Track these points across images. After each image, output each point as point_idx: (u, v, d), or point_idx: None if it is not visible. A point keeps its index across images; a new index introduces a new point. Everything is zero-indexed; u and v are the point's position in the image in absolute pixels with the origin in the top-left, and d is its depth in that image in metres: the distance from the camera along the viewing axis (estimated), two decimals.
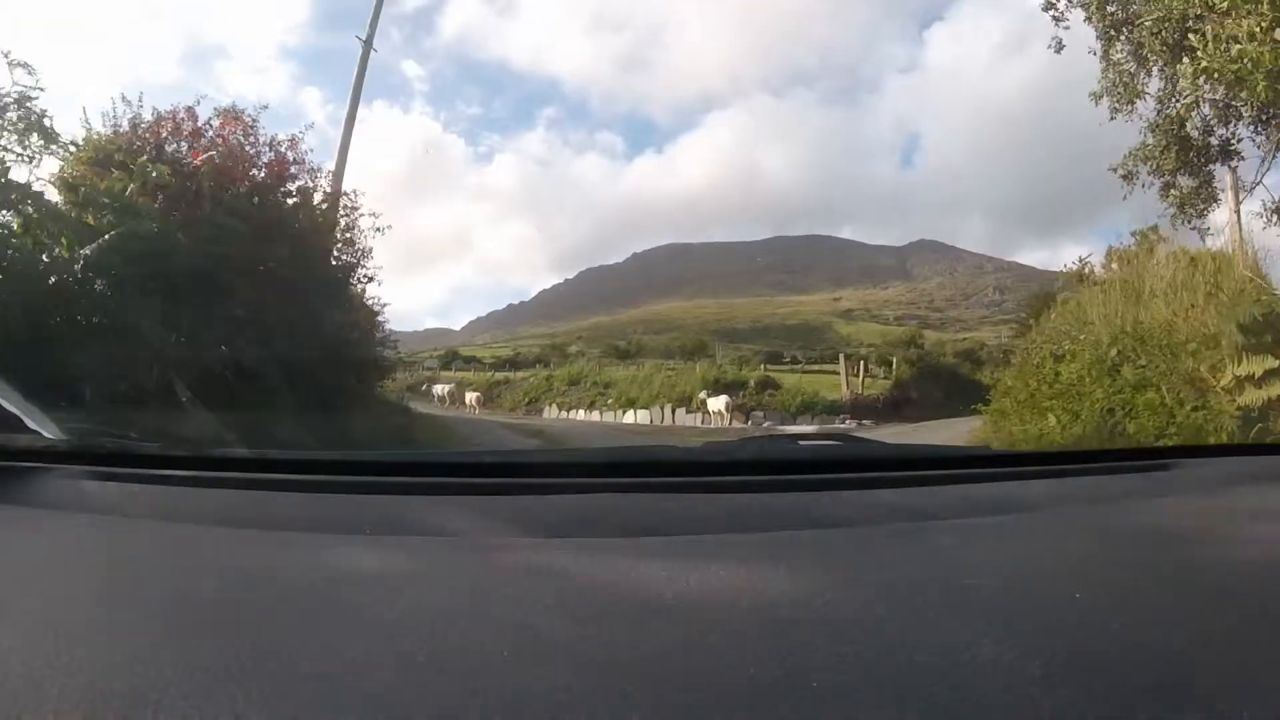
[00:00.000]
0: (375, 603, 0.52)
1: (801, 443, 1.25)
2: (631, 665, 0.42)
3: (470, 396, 15.51)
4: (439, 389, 15.59)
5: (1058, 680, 0.40)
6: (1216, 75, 4.95)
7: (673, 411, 13.71)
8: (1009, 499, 0.90)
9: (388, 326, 9.50)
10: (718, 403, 12.88)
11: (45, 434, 1.15)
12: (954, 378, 15.48)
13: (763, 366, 17.88)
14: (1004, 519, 0.80)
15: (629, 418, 14.23)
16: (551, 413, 15.51)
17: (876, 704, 0.38)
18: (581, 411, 15.05)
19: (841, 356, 15.94)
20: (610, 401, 14.88)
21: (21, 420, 1.15)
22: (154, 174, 5.90)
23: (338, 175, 8.87)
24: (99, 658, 0.44)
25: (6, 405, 1.16)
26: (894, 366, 16.60)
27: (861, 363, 16.17)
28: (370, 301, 9.08)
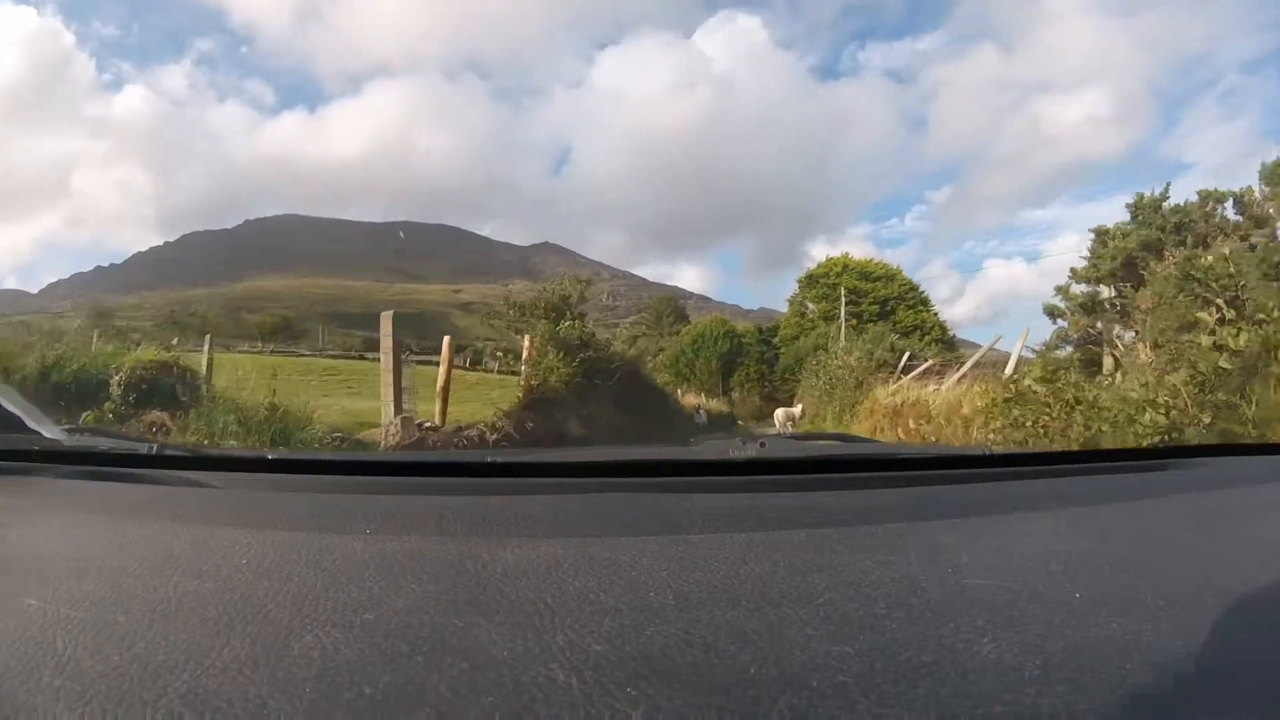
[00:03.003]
0: (375, 603, 0.52)
1: (800, 442, 1.26)
2: (631, 665, 0.42)
3: None
4: None
5: (1057, 680, 0.40)
6: None
7: None
8: (1009, 499, 0.90)
9: None
10: None
11: (45, 434, 1.15)
12: (639, 386, 8.65)
13: (206, 351, 8.50)
14: (1004, 519, 0.80)
15: None
16: None
17: (877, 704, 0.38)
18: None
19: (446, 341, 8.43)
20: None
21: (21, 420, 1.15)
22: None
23: None
24: (98, 658, 0.44)
25: (6, 405, 1.16)
26: (530, 358, 9.13)
27: (470, 351, 8.21)
28: None
